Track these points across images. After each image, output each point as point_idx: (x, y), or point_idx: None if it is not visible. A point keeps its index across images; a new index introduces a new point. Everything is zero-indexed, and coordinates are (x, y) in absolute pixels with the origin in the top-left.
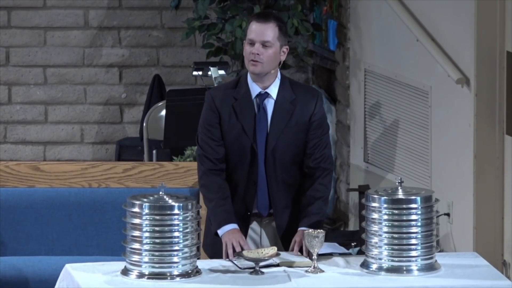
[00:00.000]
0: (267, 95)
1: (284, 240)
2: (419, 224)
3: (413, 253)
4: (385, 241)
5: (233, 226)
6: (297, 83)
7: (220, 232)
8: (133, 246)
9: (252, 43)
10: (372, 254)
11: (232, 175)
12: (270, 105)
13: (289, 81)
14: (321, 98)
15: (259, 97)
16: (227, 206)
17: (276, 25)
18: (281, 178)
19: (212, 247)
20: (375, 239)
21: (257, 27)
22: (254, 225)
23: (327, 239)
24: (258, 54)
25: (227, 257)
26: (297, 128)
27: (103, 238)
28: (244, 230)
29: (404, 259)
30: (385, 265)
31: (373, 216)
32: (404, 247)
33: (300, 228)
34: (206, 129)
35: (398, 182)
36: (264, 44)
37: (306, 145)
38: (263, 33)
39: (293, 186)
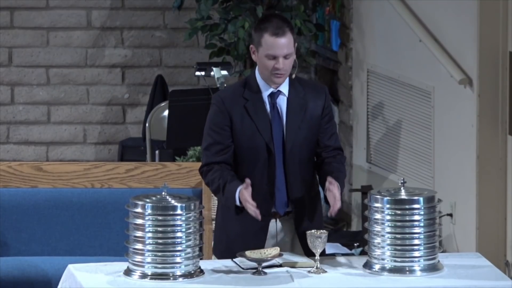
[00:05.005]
0: (279, 93)
1: (302, 238)
2: (421, 224)
3: (416, 254)
4: (388, 241)
5: (237, 191)
6: (303, 79)
7: (238, 203)
8: (136, 247)
9: (274, 58)
10: (375, 255)
11: (248, 177)
12: (283, 103)
13: (296, 78)
14: (328, 92)
15: (271, 96)
16: (228, 178)
17: (289, 31)
18: (301, 175)
19: (225, 254)
20: (377, 240)
21: (277, 42)
22: (272, 225)
23: (330, 239)
24: (282, 67)
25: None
26: (311, 123)
27: (106, 238)
28: (264, 231)
29: (406, 259)
30: (387, 266)
31: (376, 217)
32: (407, 247)
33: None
34: (213, 131)
35: (401, 183)
36: (286, 56)
37: (321, 138)
38: (284, 47)
39: (310, 182)
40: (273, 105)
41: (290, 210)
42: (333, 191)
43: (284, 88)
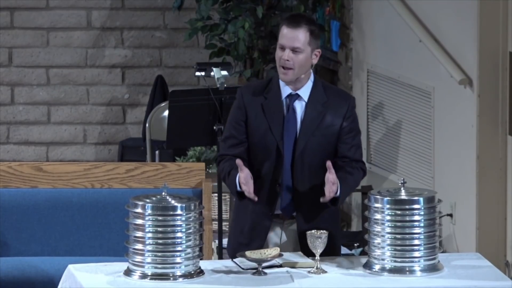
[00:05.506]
0: (297, 96)
1: (303, 244)
2: (422, 224)
3: (416, 254)
4: (388, 241)
5: (237, 176)
6: (331, 86)
7: (238, 187)
8: (136, 247)
9: (282, 48)
10: (375, 255)
11: (256, 175)
12: (300, 106)
13: (322, 84)
14: (353, 102)
15: (289, 98)
16: (234, 166)
17: (307, 29)
18: (309, 181)
19: (230, 245)
20: (378, 240)
21: (288, 32)
22: (275, 226)
23: None
24: (288, 60)
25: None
26: (328, 131)
27: (106, 238)
28: (265, 231)
29: (407, 259)
30: (388, 266)
31: (376, 217)
32: (407, 247)
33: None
34: (231, 124)
35: (401, 183)
36: (295, 50)
37: (340, 148)
38: (293, 39)
39: (319, 190)
40: (288, 107)
41: (294, 214)
42: (327, 177)
43: (305, 92)
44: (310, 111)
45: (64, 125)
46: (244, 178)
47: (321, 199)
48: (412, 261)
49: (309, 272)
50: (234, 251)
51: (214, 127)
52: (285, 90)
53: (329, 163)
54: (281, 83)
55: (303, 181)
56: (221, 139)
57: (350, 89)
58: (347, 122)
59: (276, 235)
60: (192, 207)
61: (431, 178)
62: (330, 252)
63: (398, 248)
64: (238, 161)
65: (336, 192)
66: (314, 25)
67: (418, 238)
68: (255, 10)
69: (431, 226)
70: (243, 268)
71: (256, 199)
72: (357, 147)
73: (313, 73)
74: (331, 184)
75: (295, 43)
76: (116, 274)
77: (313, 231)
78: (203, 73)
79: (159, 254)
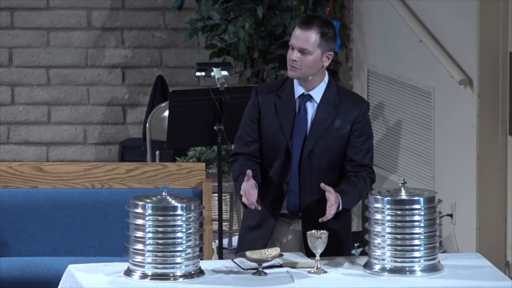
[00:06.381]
0: (309, 97)
1: (308, 245)
2: (422, 225)
3: (416, 254)
4: (388, 242)
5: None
6: (345, 89)
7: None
8: (136, 247)
9: (292, 48)
10: (375, 255)
11: (264, 173)
12: (311, 107)
13: (336, 87)
14: (366, 107)
15: (301, 98)
16: (243, 171)
17: (318, 32)
18: (316, 183)
19: (239, 242)
20: (378, 240)
21: (299, 32)
22: (281, 225)
23: None
24: (295, 60)
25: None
26: (337, 134)
27: (106, 238)
28: (271, 229)
29: (407, 260)
30: (388, 266)
31: (376, 217)
32: (407, 248)
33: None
34: (245, 122)
35: (401, 183)
36: (303, 51)
37: (348, 151)
38: (302, 40)
39: (325, 192)
40: (300, 107)
41: (301, 214)
42: (328, 197)
43: (317, 93)
44: (321, 112)
45: (64, 125)
46: (244, 190)
47: (320, 220)
48: (412, 261)
49: (309, 272)
50: (240, 249)
51: (214, 127)
52: (298, 90)
53: (323, 185)
54: (295, 83)
55: (310, 182)
56: (236, 136)
57: (351, 89)
58: (357, 126)
59: (281, 234)
60: (192, 207)
61: (431, 178)
62: (338, 254)
63: (398, 248)
64: (248, 172)
65: (338, 208)
66: (328, 28)
67: (418, 238)
68: (255, 10)
69: (431, 226)
70: (243, 268)
71: (259, 208)
72: (366, 151)
73: (329, 76)
74: (330, 206)
75: (303, 44)
76: (116, 274)
77: (313, 231)
78: (203, 73)
79: (160, 254)
